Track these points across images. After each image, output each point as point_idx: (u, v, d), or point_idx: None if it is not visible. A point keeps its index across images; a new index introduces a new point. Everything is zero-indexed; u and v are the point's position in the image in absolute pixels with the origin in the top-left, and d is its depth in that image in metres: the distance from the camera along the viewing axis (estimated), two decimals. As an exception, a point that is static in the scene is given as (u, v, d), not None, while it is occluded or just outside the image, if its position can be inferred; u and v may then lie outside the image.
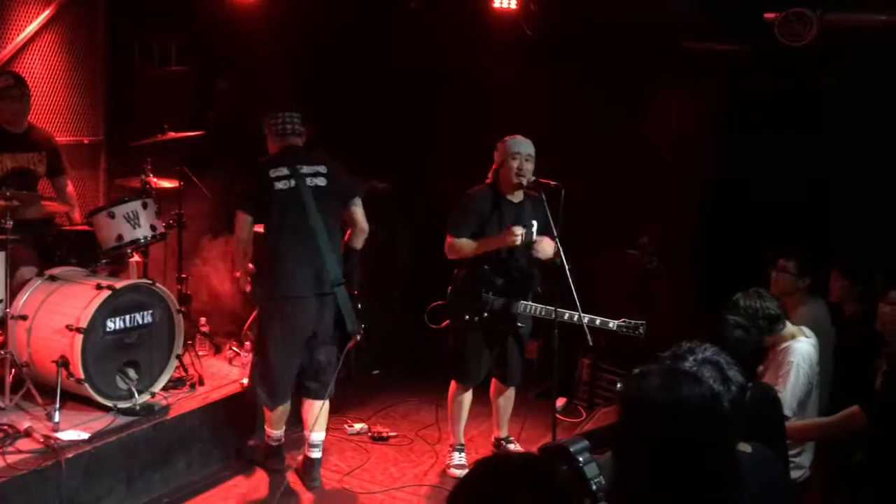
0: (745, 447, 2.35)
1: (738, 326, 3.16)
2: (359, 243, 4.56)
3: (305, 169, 4.37)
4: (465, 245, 4.50)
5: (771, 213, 5.43)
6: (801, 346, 3.79)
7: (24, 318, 4.33)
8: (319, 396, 4.47)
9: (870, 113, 5.19)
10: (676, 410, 1.84)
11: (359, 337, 4.45)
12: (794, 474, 3.69)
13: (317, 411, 4.47)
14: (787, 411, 3.65)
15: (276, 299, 4.34)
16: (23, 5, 5.58)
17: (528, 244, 4.45)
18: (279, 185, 4.31)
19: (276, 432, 4.60)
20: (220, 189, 5.57)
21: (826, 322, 4.49)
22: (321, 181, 4.40)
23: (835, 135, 5.24)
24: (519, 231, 4.37)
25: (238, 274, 4.61)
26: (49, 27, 5.74)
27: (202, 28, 6.10)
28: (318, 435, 4.53)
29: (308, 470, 4.54)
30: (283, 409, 4.51)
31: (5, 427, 3.99)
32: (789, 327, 3.85)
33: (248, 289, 4.52)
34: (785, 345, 3.80)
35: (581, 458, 2.10)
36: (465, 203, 4.56)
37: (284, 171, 4.34)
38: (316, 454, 4.54)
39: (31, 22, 5.62)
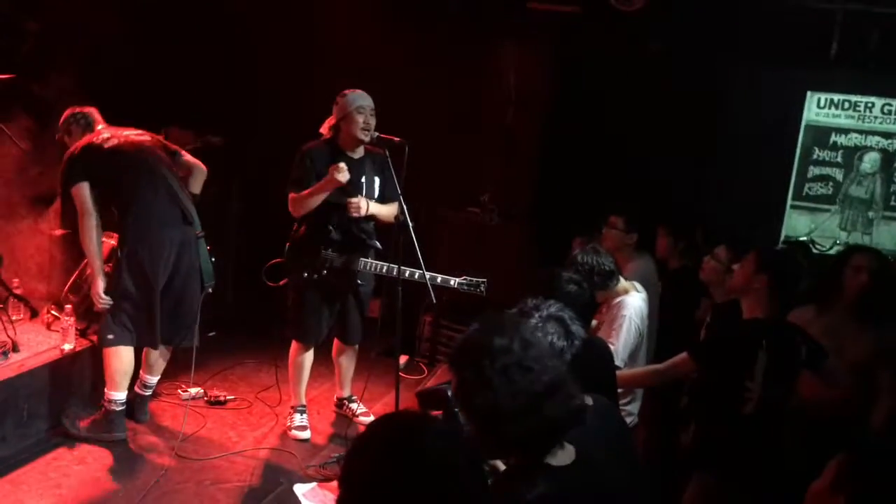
0: (586, 399, 2.42)
1: (571, 282, 3.25)
2: (198, 187, 4.60)
3: (126, 131, 4.41)
4: (304, 197, 4.34)
5: (604, 173, 5.65)
6: (633, 301, 3.98)
7: None
8: (184, 342, 4.57)
9: (692, 76, 5.49)
10: (486, 356, 1.96)
11: (210, 290, 4.52)
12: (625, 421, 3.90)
13: (161, 356, 4.58)
14: (619, 362, 3.83)
15: (134, 241, 4.28)
16: None
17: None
18: (109, 144, 4.30)
19: (119, 395, 4.37)
20: (32, 138, 5.09)
21: (653, 277, 4.75)
22: (145, 137, 4.45)
23: (659, 97, 5.52)
24: (343, 169, 4.23)
25: (91, 272, 4.36)
26: None
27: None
28: (154, 378, 4.66)
29: (139, 405, 4.64)
30: (131, 362, 4.39)
31: None
32: (622, 282, 4.02)
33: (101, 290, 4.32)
34: (618, 299, 3.97)
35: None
36: (301, 159, 4.40)
37: (106, 134, 4.35)
38: (148, 393, 4.67)
39: None
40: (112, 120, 4.61)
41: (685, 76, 5.46)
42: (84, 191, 4.23)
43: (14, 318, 4.72)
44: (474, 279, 4.31)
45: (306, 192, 4.32)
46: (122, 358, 4.34)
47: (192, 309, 4.49)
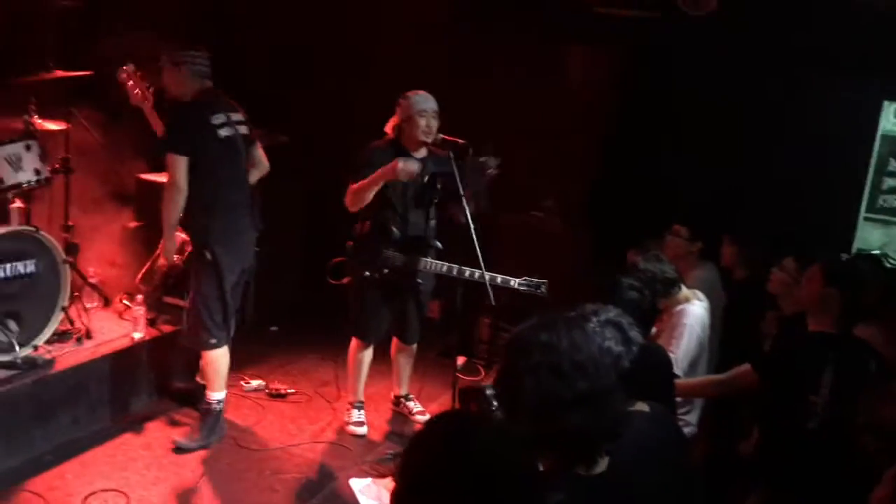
0: (642, 406, 2.41)
1: (632, 288, 3.24)
2: (254, 179, 4.58)
3: (234, 116, 4.33)
4: (363, 186, 4.34)
5: (669, 180, 5.58)
6: (695, 309, 3.93)
7: None
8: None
9: (763, 83, 5.38)
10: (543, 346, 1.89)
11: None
12: (684, 431, 3.85)
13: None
14: (678, 371, 3.78)
15: (219, 244, 4.23)
16: None
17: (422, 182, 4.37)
18: (223, 133, 4.24)
19: (222, 394, 4.46)
20: (111, 132, 5.28)
21: (717, 286, 4.66)
22: (245, 129, 4.40)
23: (728, 104, 5.42)
24: (408, 166, 4.23)
25: (163, 240, 4.34)
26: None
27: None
28: None
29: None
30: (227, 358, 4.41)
31: None
32: (684, 290, 3.97)
33: (178, 258, 4.41)
34: (680, 307, 3.92)
35: (496, 403, 2.13)
36: (366, 155, 4.43)
37: (222, 117, 4.25)
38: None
39: None
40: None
41: (756, 83, 5.36)
42: (182, 165, 4.10)
43: (88, 305, 4.89)
44: (535, 280, 4.31)
45: (365, 181, 4.32)
46: (224, 359, 4.39)
47: (236, 305, 4.54)
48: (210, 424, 4.42)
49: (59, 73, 4.81)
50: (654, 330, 3.82)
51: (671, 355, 3.64)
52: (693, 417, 4.03)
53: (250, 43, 6.13)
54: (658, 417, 2.43)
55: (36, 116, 4.72)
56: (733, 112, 5.42)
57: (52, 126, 4.87)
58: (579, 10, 5.65)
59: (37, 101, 4.75)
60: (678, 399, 3.54)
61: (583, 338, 1.99)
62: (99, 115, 5.26)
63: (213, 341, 4.34)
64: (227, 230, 4.28)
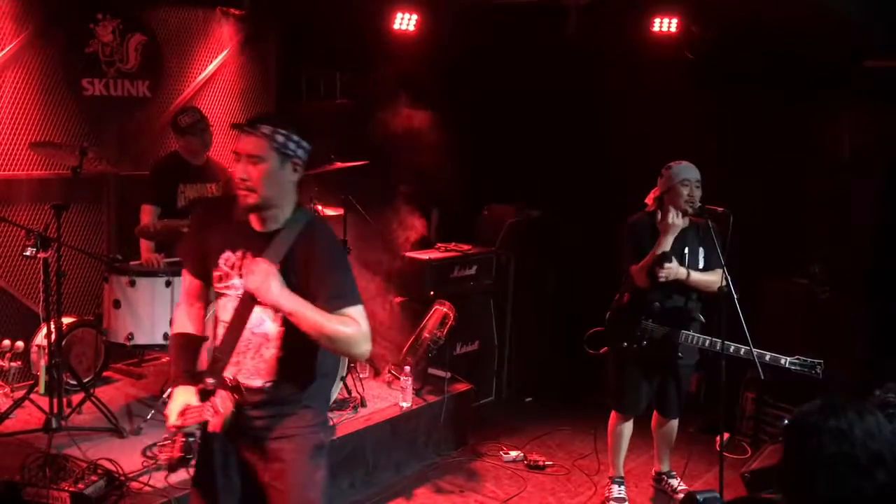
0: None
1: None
2: None
3: None
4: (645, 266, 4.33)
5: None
6: None
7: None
8: None
9: None
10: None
11: None
12: None
13: None
14: None
15: None
16: (203, 48, 6.04)
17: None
18: None
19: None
20: (381, 216, 5.75)
21: None
22: None
23: None
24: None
25: None
26: (226, 67, 6.17)
27: (365, 60, 6.35)
28: None
29: None
30: None
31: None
32: None
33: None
34: None
35: None
36: (627, 233, 4.45)
37: None
38: None
39: (210, 63, 6.06)
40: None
41: None
42: None
43: (362, 375, 5.28)
44: (809, 360, 4.03)
45: (648, 259, 4.29)
46: None
47: None
48: None
49: (338, 165, 5.33)
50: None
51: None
52: None
53: (511, 118, 6.44)
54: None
55: (318, 204, 5.27)
56: None
57: (330, 212, 5.40)
58: (849, 64, 5.33)
59: (318, 190, 5.31)
60: None
61: (876, 424, 1.86)
62: (368, 198, 5.75)
63: None
64: None
